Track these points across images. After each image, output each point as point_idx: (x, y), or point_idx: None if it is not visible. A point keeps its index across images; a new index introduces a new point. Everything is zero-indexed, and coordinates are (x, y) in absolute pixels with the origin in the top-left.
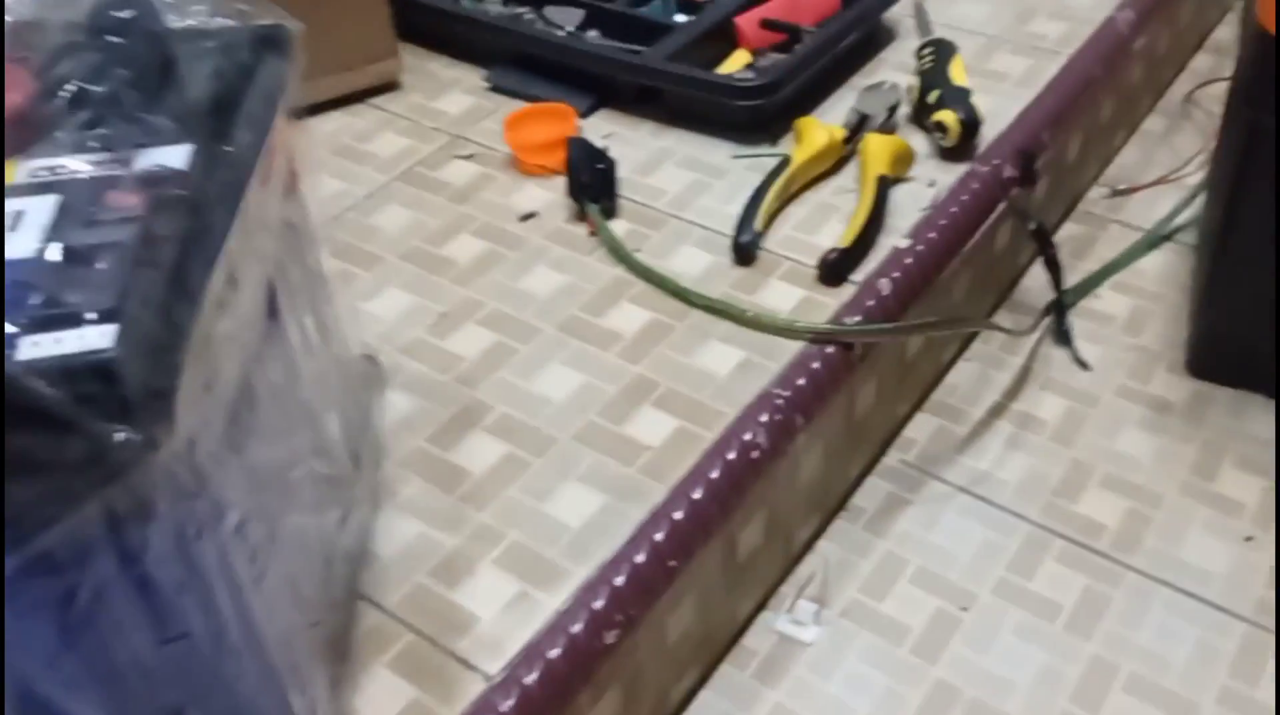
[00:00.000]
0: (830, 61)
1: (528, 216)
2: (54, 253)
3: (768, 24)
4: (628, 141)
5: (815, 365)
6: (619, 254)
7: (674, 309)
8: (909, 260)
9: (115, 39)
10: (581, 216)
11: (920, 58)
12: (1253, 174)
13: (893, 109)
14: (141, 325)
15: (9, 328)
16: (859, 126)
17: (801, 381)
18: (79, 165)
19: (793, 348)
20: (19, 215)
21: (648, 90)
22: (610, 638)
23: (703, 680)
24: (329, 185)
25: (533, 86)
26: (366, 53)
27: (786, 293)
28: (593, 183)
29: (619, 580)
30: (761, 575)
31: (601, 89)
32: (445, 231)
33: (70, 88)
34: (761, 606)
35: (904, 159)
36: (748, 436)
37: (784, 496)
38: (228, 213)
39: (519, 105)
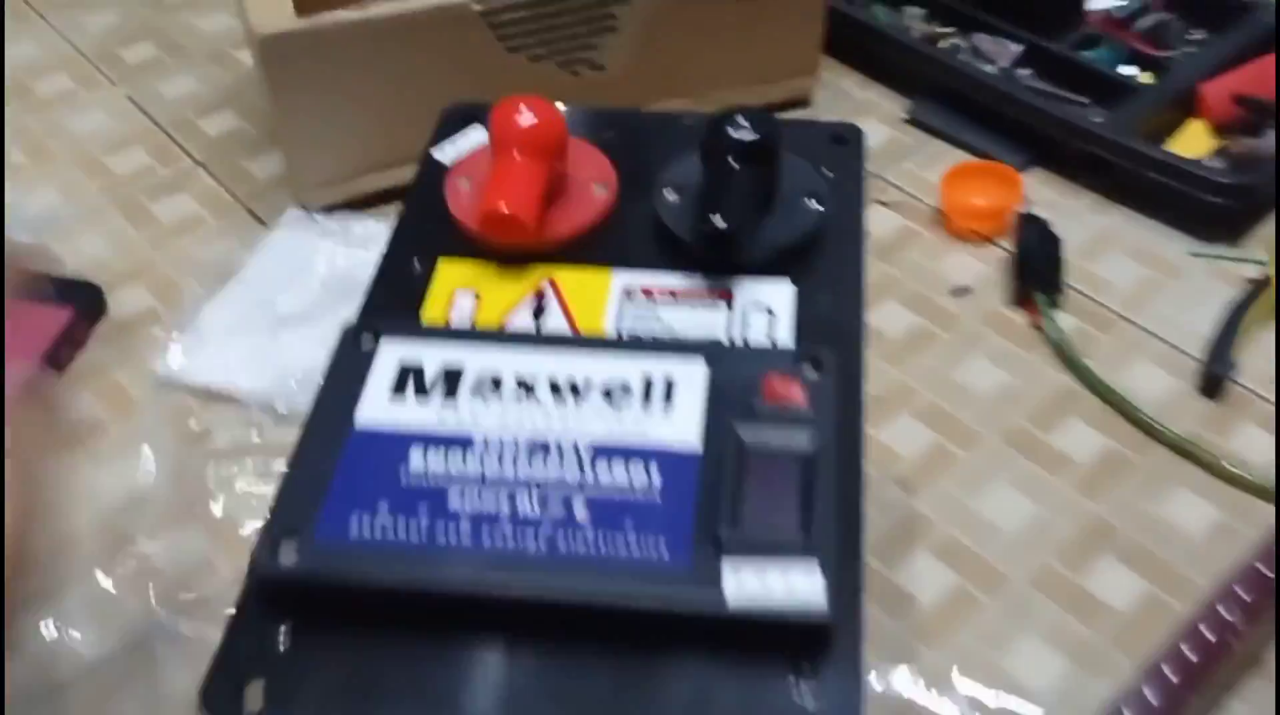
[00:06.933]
0: None
1: (962, 291)
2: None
3: (1243, 101)
4: (1067, 213)
5: None
6: (1072, 362)
7: (1133, 438)
8: None
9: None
10: (1021, 301)
11: None
12: None
13: None
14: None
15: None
16: None
17: None
18: (675, 287)
19: (1270, 512)
20: (670, 385)
21: (1094, 158)
22: None
23: None
24: None
25: (958, 128)
26: (789, 67)
27: (1261, 441)
28: (1043, 269)
29: None
30: None
31: (1040, 145)
32: (871, 292)
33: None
34: None
35: None
36: (1227, 616)
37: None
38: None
39: (940, 145)
